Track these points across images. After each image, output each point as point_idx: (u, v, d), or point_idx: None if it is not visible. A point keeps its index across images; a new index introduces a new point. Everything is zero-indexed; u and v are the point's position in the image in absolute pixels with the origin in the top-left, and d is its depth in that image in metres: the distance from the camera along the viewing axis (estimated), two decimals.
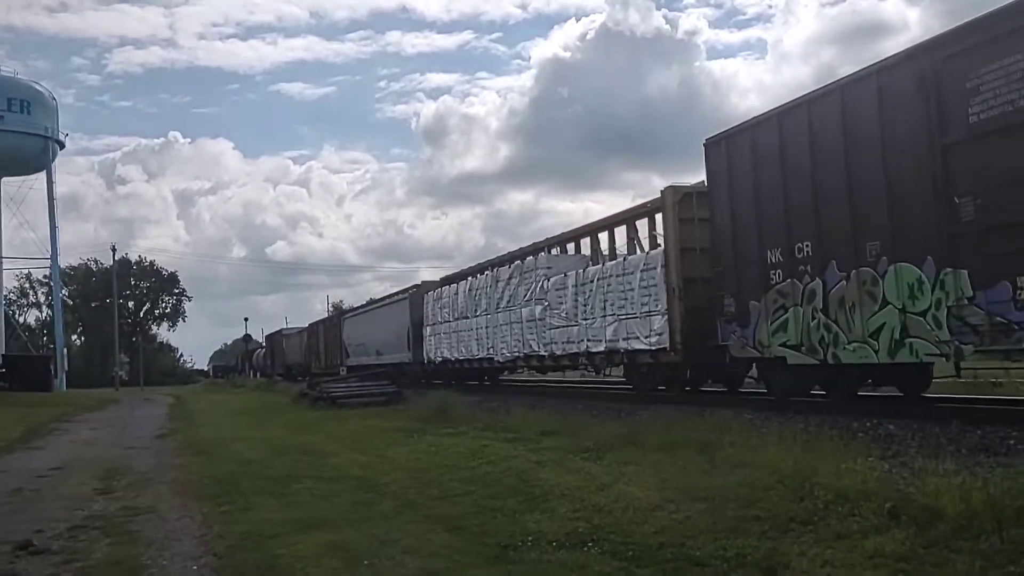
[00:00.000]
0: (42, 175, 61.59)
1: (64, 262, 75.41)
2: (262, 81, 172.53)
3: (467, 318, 25.95)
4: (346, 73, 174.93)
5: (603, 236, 20.81)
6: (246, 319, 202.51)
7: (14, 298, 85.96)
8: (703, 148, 14.95)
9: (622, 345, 17.31)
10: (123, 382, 68.00)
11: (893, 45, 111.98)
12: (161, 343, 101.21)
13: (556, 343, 20.07)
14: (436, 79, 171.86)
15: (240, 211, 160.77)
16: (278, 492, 9.01)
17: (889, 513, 5.83)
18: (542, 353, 20.97)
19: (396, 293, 37.07)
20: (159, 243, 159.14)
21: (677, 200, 15.90)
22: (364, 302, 45.48)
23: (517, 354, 22.47)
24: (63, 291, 78.88)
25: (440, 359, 28.66)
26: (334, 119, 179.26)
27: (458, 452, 11.54)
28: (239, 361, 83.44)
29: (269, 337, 70.71)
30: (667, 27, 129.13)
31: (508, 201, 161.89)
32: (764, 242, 13.18)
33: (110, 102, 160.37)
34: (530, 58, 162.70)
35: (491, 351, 24.08)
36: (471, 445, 12.12)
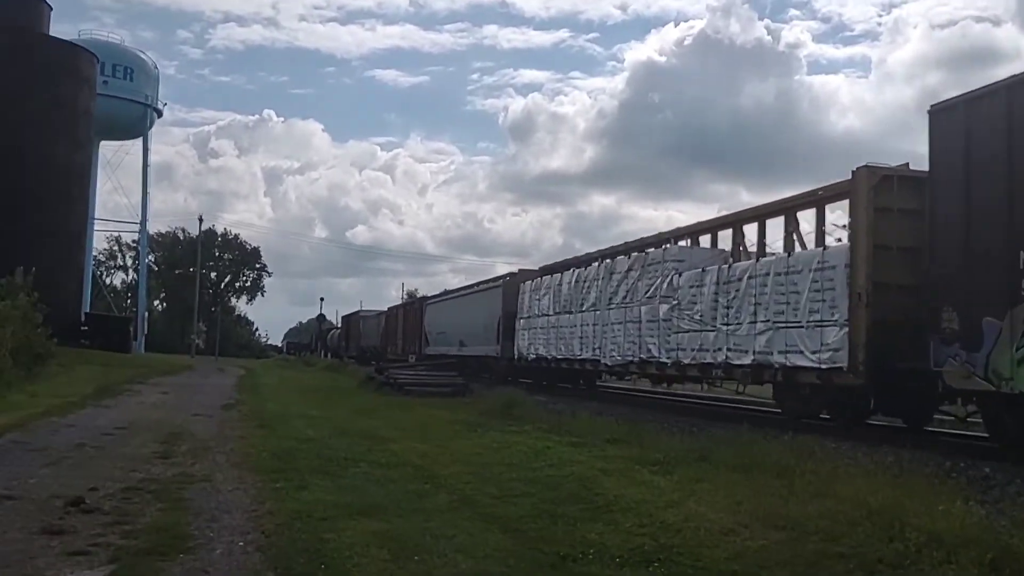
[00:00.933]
0: (138, 142, 63.69)
1: (153, 228, 77.69)
2: (358, 66, 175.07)
3: (570, 313, 23.28)
4: (440, 64, 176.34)
5: (750, 229, 17.51)
6: (322, 299, 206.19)
7: (103, 259, 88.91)
8: (927, 117, 11.94)
9: (777, 359, 14.49)
10: (199, 350, 69.67)
11: (1003, 73, 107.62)
12: (239, 316, 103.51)
13: (684, 349, 17.22)
14: (529, 75, 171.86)
15: (325, 193, 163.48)
16: (334, 473, 8.80)
17: (990, 565, 5.28)
18: (663, 360, 18.03)
19: (487, 281, 34.84)
20: (245, 218, 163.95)
21: (873, 184, 12.96)
22: (439, 292, 43.70)
23: (630, 358, 19.57)
24: (150, 256, 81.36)
25: (534, 356, 26.06)
26: (424, 108, 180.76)
27: (520, 451, 11.21)
28: (312, 340, 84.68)
29: (346, 318, 69.93)
30: (768, 38, 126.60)
31: (590, 203, 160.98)
32: (1016, 240, 10.19)
33: (210, 76, 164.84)
34: (624, 60, 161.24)
35: (597, 352, 21.24)
36: (534, 445, 11.78)
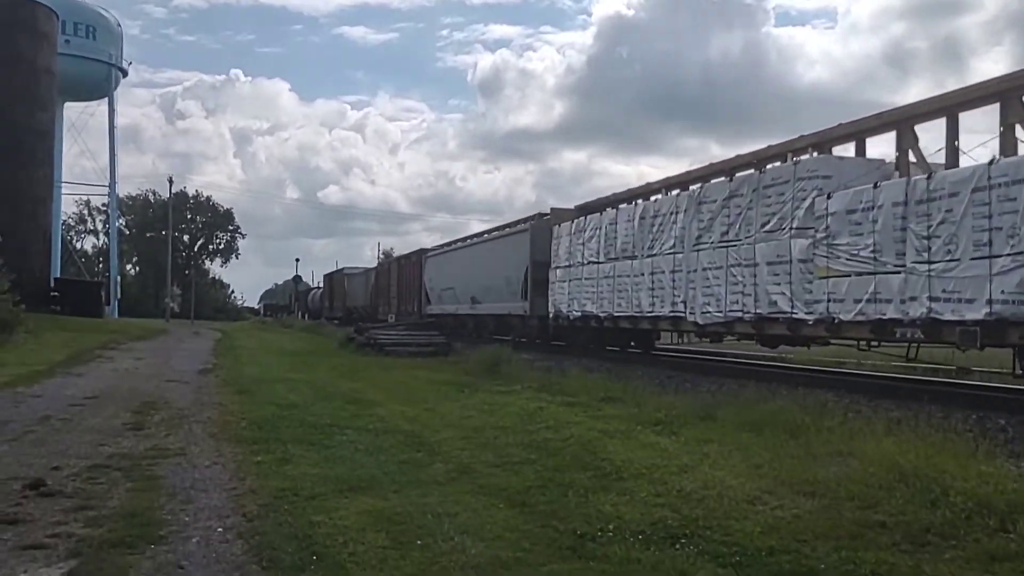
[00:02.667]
0: (104, 103, 61.90)
1: (123, 191, 75.99)
2: (325, 23, 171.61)
3: (633, 258, 18.47)
4: (409, 20, 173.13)
5: (924, 127, 13.16)
6: (297, 260, 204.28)
7: (72, 224, 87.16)
8: None
9: None
10: (174, 314, 68.54)
11: (967, 23, 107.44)
12: (213, 279, 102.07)
13: (840, 301, 12.38)
14: (499, 31, 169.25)
15: (295, 153, 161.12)
16: (319, 443, 8.21)
17: None
18: (800, 315, 13.19)
19: (510, 225, 28.79)
20: (215, 180, 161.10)
21: None
22: (440, 244, 38.16)
23: (738, 314, 14.74)
24: (120, 220, 79.58)
25: (577, 313, 21.20)
26: (393, 66, 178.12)
27: (513, 413, 10.71)
28: (290, 301, 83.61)
29: (328, 276, 63.40)
30: None
31: (561, 160, 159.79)
32: None
33: (175, 36, 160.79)
34: (591, 15, 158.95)
35: (680, 307, 16.55)
36: (526, 406, 11.29)
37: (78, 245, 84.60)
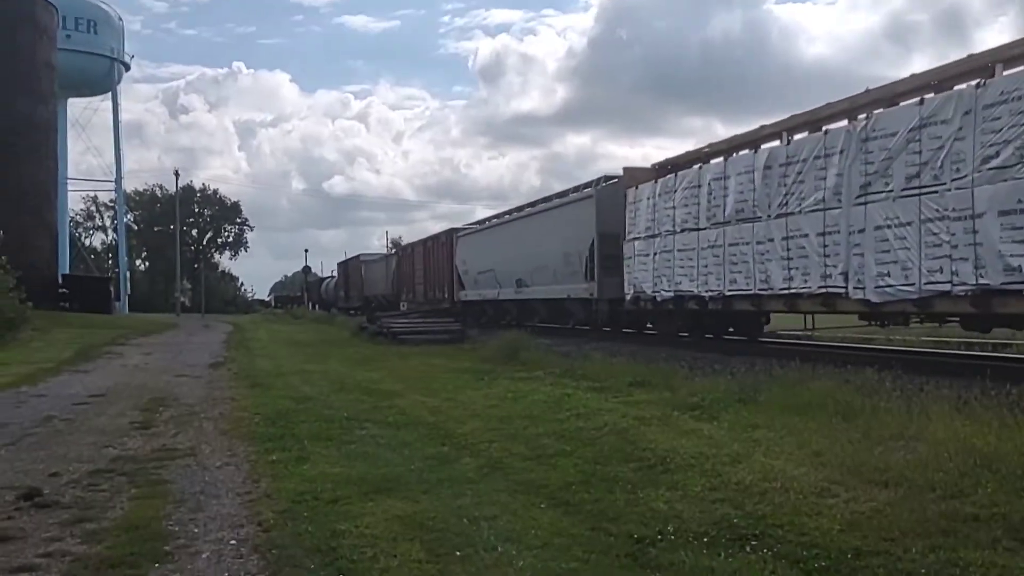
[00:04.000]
0: (107, 98, 61.47)
1: (129, 187, 75.65)
2: (326, 13, 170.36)
3: (755, 220, 14.69)
4: (411, 7, 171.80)
5: None
6: (306, 250, 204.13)
7: (80, 220, 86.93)
8: None
9: None
10: (184, 308, 68.27)
11: None
12: (223, 272, 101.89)
13: None
14: (500, 15, 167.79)
15: (299, 144, 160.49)
16: (338, 438, 7.68)
17: None
18: None
19: (568, 192, 24.45)
20: (220, 173, 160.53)
21: None
22: (473, 223, 34.88)
23: (943, 286, 10.71)
24: (128, 215, 79.37)
25: (669, 293, 17.40)
26: (395, 54, 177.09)
27: (539, 400, 10.17)
28: (303, 292, 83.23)
29: (343, 264, 60.37)
30: None
31: (565, 144, 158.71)
32: None
33: (176, 29, 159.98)
34: None
35: (839, 279, 12.59)
36: (552, 393, 10.74)
37: (87, 242, 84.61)
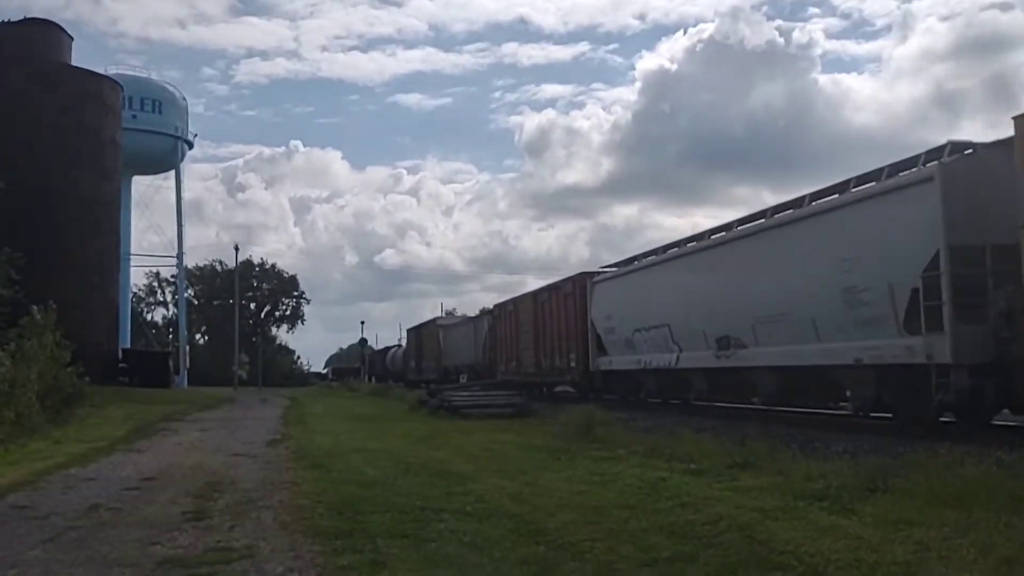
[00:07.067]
0: (170, 176, 62.65)
1: (190, 263, 76.68)
2: (380, 92, 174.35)
3: None
4: (462, 84, 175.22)
5: None
6: (362, 322, 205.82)
7: (142, 296, 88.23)
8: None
9: None
10: (242, 381, 68.12)
11: (1014, 60, 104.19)
12: (280, 345, 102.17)
13: None
14: (551, 90, 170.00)
15: (352, 219, 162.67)
16: (414, 534, 6.67)
17: None
18: None
19: (847, 183, 13.85)
20: (275, 249, 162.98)
21: None
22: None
23: None
24: (188, 290, 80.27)
25: None
26: (448, 129, 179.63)
27: (631, 486, 9.08)
28: (362, 364, 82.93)
29: (416, 331, 52.04)
30: (780, 39, 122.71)
31: (612, 215, 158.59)
32: None
33: (236, 111, 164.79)
34: (635, 70, 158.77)
35: None
36: (643, 476, 9.65)
37: (148, 317, 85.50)
